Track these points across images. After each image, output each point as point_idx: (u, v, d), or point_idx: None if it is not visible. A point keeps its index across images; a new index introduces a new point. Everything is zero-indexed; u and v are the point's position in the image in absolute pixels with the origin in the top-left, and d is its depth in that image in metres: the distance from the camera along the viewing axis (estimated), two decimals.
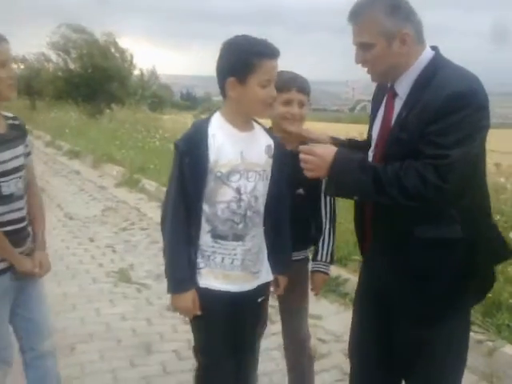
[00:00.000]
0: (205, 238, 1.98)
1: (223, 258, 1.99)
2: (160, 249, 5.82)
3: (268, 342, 3.02)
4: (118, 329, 3.61)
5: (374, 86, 2.06)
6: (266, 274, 2.10)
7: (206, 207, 1.96)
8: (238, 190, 1.95)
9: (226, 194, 1.95)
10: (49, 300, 2.39)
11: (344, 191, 1.86)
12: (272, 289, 2.20)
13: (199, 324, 2.09)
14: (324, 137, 2.14)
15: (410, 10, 1.77)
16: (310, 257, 2.44)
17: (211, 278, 2.00)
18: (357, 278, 2.19)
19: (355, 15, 1.78)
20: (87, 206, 7.26)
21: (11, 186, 2.05)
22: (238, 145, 1.96)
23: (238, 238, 1.99)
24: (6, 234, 2.05)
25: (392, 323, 1.92)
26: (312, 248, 2.44)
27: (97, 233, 5.94)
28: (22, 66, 22.28)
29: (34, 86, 22.33)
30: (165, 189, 6.51)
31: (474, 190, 1.80)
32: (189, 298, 1.97)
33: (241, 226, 1.98)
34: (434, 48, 1.84)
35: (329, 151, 1.82)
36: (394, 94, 1.84)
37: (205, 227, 1.98)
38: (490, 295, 3.31)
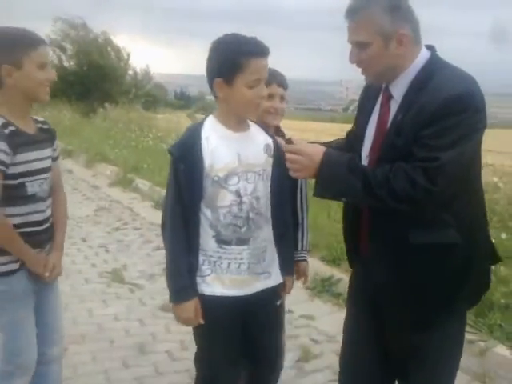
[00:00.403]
0: (210, 244, 1.94)
1: (229, 264, 1.95)
2: (153, 248, 5.86)
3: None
4: (111, 329, 3.59)
5: None
6: (276, 276, 2.07)
7: (208, 212, 1.93)
8: (237, 193, 1.91)
9: (226, 199, 1.91)
10: None
11: (332, 193, 1.83)
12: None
13: (202, 332, 2.04)
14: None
15: (409, 10, 1.74)
16: None
17: (218, 285, 1.95)
18: None
19: (353, 12, 1.75)
20: (80, 205, 7.22)
21: (35, 186, 2.04)
22: (233, 146, 1.92)
23: (243, 241, 1.95)
24: (26, 234, 2.02)
25: (386, 327, 1.91)
26: None
27: (90, 233, 5.91)
28: None
29: None
30: (158, 188, 6.51)
31: (470, 194, 1.78)
32: (190, 307, 1.93)
33: (244, 229, 1.94)
34: (429, 48, 1.81)
35: (317, 151, 1.78)
36: (390, 96, 1.81)
37: (209, 232, 1.93)
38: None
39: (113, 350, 3.32)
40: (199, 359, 2.12)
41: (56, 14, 21.50)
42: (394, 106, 1.79)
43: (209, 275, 1.95)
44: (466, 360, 3.03)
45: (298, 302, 3.71)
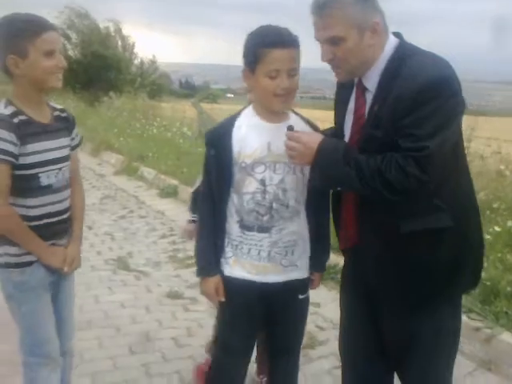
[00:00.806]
0: (234, 228, 2.01)
1: (250, 249, 2.00)
2: (159, 236, 5.89)
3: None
4: (117, 316, 3.61)
5: None
6: (302, 270, 2.09)
7: (235, 198, 1.99)
8: (262, 182, 1.95)
9: (251, 185, 1.96)
10: None
11: (329, 182, 1.83)
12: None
13: (222, 314, 2.15)
14: None
15: None
16: None
17: (238, 268, 2.03)
18: None
19: (322, 7, 1.68)
20: (86, 193, 7.11)
21: (51, 177, 1.99)
22: (264, 136, 1.95)
23: (264, 229, 1.98)
24: (43, 226, 1.99)
25: (382, 315, 1.91)
26: None
27: (96, 221, 5.93)
28: None
29: None
30: (163, 177, 6.53)
31: (458, 176, 1.78)
32: (211, 283, 2.04)
33: (266, 217, 1.97)
34: (397, 35, 1.78)
35: (313, 139, 1.78)
36: (364, 89, 1.78)
37: (234, 217, 2.00)
38: (488, 283, 3.34)
39: (119, 337, 3.34)
40: (215, 343, 2.22)
41: (62, 2, 21.31)
42: (369, 98, 1.77)
43: (230, 258, 2.04)
44: (472, 347, 3.05)
45: None
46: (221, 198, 2.00)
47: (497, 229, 4.18)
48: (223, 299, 2.06)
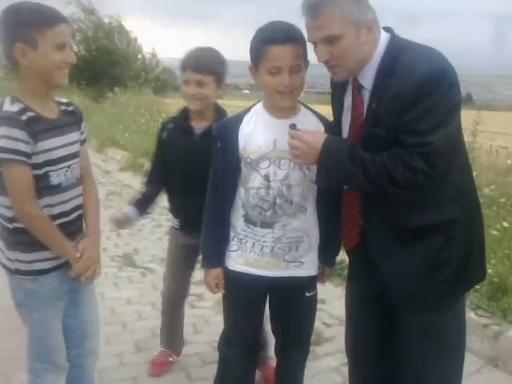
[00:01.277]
0: (240, 222, 2.02)
1: (254, 244, 2.01)
2: (164, 233, 5.89)
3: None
4: (123, 313, 3.63)
5: None
6: (309, 268, 2.07)
7: (242, 192, 2.00)
8: (266, 177, 1.95)
9: (256, 180, 1.96)
10: None
11: (333, 181, 1.82)
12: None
13: (226, 305, 2.18)
14: None
15: None
16: None
17: (241, 262, 2.04)
18: None
19: (315, 7, 1.65)
20: None
21: (61, 175, 1.91)
22: (271, 131, 1.95)
23: (267, 225, 1.99)
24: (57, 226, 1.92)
25: (391, 313, 1.89)
26: None
27: (101, 217, 5.92)
28: None
29: None
30: None
31: (460, 165, 1.77)
32: (212, 275, 2.08)
33: (269, 213, 1.97)
34: (387, 29, 1.76)
35: (317, 139, 1.77)
36: (360, 87, 1.77)
37: (240, 211, 2.01)
38: (495, 279, 3.31)
39: (125, 334, 3.35)
40: (222, 333, 2.22)
41: None
42: (366, 96, 1.75)
43: (235, 251, 2.05)
44: (480, 344, 3.04)
45: None
46: (227, 190, 2.01)
47: (505, 224, 4.15)
48: (223, 292, 2.10)
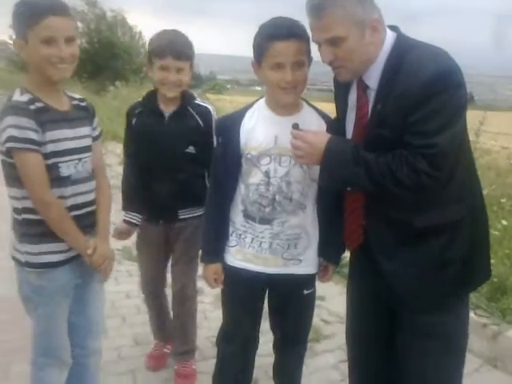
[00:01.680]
0: (239, 217, 2.03)
1: (252, 239, 2.01)
2: None
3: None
4: (123, 307, 3.63)
5: None
6: (307, 265, 2.07)
7: (242, 188, 1.99)
8: (266, 174, 1.94)
9: (256, 176, 1.96)
10: None
11: (336, 182, 1.80)
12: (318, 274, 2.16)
13: (224, 302, 2.19)
14: None
15: None
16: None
17: (240, 257, 2.04)
18: None
19: (320, 8, 1.64)
20: None
21: (70, 167, 1.90)
22: (272, 128, 1.94)
23: (266, 221, 1.98)
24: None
25: (394, 313, 1.89)
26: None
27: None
28: None
29: None
30: None
31: (465, 166, 1.77)
32: (211, 269, 2.09)
33: (268, 209, 1.97)
34: (393, 28, 1.74)
35: (320, 139, 1.75)
36: (365, 87, 1.75)
37: (239, 207, 2.01)
38: (495, 279, 3.31)
39: (124, 327, 3.36)
40: (221, 328, 2.23)
41: None
42: (371, 96, 1.74)
43: (234, 246, 2.05)
44: (478, 343, 3.04)
45: None
46: (228, 186, 2.00)
47: (504, 223, 4.15)
48: (221, 287, 2.10)
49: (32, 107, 1.79)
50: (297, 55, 1.84)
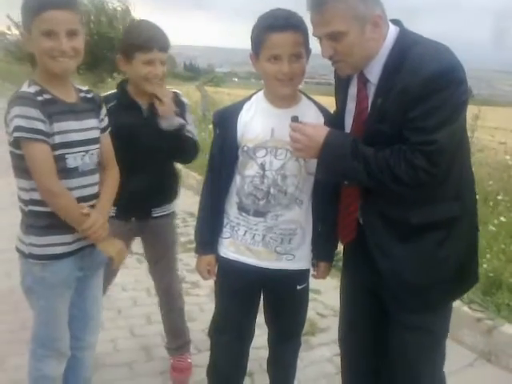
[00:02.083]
0: (233, 209, 2.02)
1: (245, 232, 2.01)
2: None
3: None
4: (119, 299, 3.62)
5: None
6: (301, 261, 2.06)
7: (238, 179, 1.99)
8: (262, 166, 1.94)
9: (252, 169, 1.96)
10: None
11: (335, 176, 1.80)
12: (313, 272, 2.15)
13: (216, 294, 2.18)
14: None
15: None
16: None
17: (232, 249, 2.04)
18: None
19: (321, 3, 1.62)
20: None
21: (77, 159, 1.88)
22: (269, 121, 1.93)
23: (260, 214, 1.98)
24: None
25: (385, 307, 1.89)
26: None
27: None
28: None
29: None
30: None
31: (462, 163, 1.76)
32: (203, 261, 2.09)
33: (262, 202, 1.96)
34: (396, 22, 1.73)
35: (319, 132, 1.74)
36: (366, 81, 1.74)
37: (234, 198, 2.01)
38: (491, 274, 3.33)
39: (120, 319, 3.36)
40: (212, 319, 2.23)
41: None
42: (371, 90, 1.73)
43: (227, 238, 2.05)
44: (473, 338, 3.05)
45: None
46: (223, 177, 2.00)
47: (502, 219, 4.16)
48: (214, 278, 2.11)
49: (39, 98, 1.79)
50: (294, 47, 1.83)
